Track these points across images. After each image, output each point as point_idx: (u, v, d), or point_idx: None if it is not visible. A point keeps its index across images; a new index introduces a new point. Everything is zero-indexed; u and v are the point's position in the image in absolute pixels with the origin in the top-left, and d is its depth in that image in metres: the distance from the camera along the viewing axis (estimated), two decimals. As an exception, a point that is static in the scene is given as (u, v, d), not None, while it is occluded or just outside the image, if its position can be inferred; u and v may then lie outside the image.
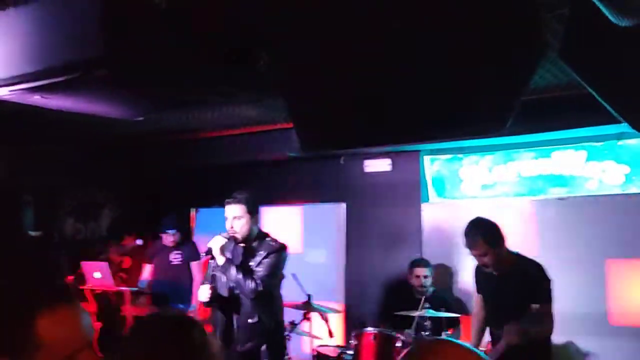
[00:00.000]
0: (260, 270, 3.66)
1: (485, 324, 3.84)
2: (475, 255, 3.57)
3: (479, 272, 3.77)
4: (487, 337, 3.85)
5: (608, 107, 2.27)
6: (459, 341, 1.25)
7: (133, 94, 3.63)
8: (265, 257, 3.69)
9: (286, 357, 3.98)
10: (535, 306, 3.37)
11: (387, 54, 2.42)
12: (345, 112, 2.61)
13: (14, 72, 2.90)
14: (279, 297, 3.87)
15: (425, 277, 4.83)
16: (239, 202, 3.70)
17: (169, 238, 5.50)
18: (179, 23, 2.91)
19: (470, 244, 3.54)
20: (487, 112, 2.22)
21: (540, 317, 3.30)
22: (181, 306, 5.26)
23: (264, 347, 3.71)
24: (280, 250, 3.76)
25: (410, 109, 2.41)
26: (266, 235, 3.82)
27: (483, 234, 3.50)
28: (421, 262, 4.93)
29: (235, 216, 3.69)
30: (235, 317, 3.69)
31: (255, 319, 3.67)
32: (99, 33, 2.82)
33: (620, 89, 2.23)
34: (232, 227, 3.69)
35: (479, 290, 3.86)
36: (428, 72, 2.35)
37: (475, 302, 3.94)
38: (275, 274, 3.74)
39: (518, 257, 3.57)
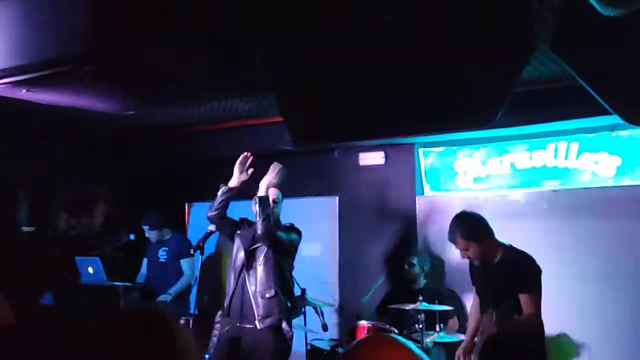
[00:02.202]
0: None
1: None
2: (458, 249, 3.61)
3: (472, 264, 3.78)
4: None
5: (599, 99, 2.25)
6: (398, 337, 1.27)
7: (122, 89, 3.61)
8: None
9: None
10: (522, 296, 3.37)
11: (378, 48, 2.40)
12: (335, 106, 2.59)
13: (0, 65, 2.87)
14: (291, 278, 4.15)
15: (412, 265, 4.88)
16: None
17: (148, 235, 5.51)
18: (169, 17, 2.89)
19: (451, 239, 3.59)
20: (478, 105, 2.21)
21: (519, 306, 3.31)
22: (162, 297, 5.24)
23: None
24: (292, 230, 4.17)
25: (400, 102, 2.40)
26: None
27: (462, 229, 3.52)
28: (411, 251, 5.01)
29: (274, 199, 4.06)
30: (251, 290, 3.88)
31: (272, 293, 3.86)
32: (87, 27, 2.79)
33: (611, 80, 2.22)
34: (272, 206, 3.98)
35: (473, 282, 3.88)
36: (419, 65, 2.33)
37: (474, 295, 3.95)
38: (290, 248, 4.11)
39: (508, 249, 3.57)
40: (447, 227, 3.52)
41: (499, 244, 3.57)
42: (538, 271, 3.45)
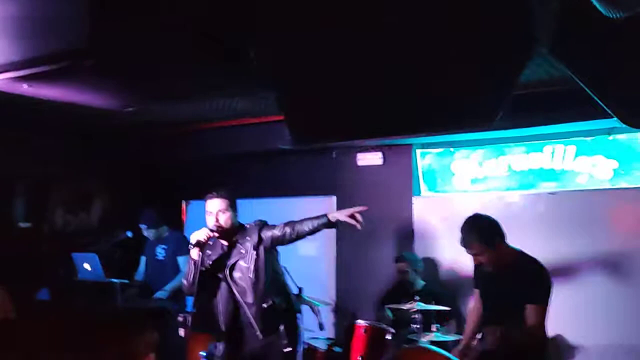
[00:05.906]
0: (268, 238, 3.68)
1: (480, 319, 3.70)
2: (470, 254, 3.45)
3: (478, 268, 3.64)
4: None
5: (598, 101, 2.27)
6: (436, 348, 1.27)
7: (121, 85, 3.61)
8: (258, 239, 3.68)
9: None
10: (528, 306, 3.25)
11: (377, 48, 2.41)
12: (335, 105, 2.60)
13: (0, 60, 2.87)
14: (282, 273, 3.89)
15: (406, 272, 4.84)
16: (222, 196, 3.74)
17: (146, 234, 5.51)
18: (168, 14, 2.89)
19: (465, 244, 3.41)
20: (477, 107, 2.22)
21: (528, 319, 3.21)
22: (159, 294, 5.24)
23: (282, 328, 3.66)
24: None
25: (399, 103, 2.41)
26: (242, 225, 3.82)
27: (478, 234, 3.35)
28: (400, 257, 4.96)
29: (220, 209, 3.71)
30: (247, 304, 3.64)
31: (270, 302, 3.65)
32: (86, 23, 2.79)
33: (610, 82, 2.23)
34: (217, 221, 3.69)
35: (476, 285, 3.76)
36: (418, 67, 2.35)
37: (473, 297, 3.85)
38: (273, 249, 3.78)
39: (519, 254, 3.43)
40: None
41: (510, 249, 3.42)
42: (548, 283, 3.31)
